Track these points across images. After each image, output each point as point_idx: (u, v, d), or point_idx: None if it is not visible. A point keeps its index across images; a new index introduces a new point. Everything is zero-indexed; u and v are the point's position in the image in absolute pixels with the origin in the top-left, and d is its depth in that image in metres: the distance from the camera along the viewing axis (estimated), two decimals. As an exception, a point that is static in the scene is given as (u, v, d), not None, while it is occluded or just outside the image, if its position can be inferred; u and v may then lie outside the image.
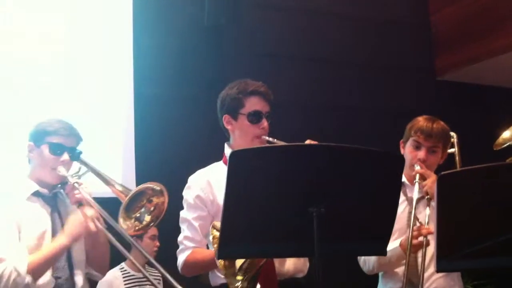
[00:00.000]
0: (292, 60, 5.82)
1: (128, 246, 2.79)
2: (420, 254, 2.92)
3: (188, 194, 2.90)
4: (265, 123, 2.87)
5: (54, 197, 2.93)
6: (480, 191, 2.11)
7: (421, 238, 2.86)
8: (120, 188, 2.77)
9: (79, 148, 2.93)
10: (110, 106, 4.97)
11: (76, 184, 2.77)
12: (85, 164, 2.93)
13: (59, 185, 2.90)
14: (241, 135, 2.90)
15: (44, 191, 2.89)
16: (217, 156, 3.05)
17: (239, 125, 2.90)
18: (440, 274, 2.97)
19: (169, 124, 5.22)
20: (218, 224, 2.45)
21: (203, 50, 5.46)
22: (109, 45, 5.03)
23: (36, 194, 2.87)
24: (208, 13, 5.32)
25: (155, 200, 2.73)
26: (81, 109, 4.71)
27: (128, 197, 2.69)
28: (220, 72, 5.26)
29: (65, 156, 2.84)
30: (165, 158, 5.02)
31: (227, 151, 2.96)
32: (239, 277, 2.42)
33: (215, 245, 2.42)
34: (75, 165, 2.93)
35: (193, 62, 5.40)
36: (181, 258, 2.87)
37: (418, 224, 2.93)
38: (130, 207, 2.72)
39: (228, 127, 2.94)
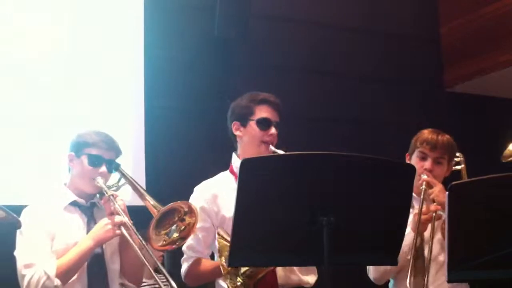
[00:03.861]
0: (302, 72, 5.82)
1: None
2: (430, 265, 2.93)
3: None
4: (273, 130, 2.90)
5: (91, 207, 2.99)
6: (490, 201, 2.11)
7: (432, 207, 2.91)
8: (152, 203, 2.79)
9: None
10: (120, 118, 4.98)
11: (111, 197, 2.83)
12: (124, 176, 3.00)
13: (98, 195, 2.96)
14: (249, 141, 2.93)
15: (82, 201, 2.96)
16: (226, 166, 3.06)
17: (248, 131, 2.93)
18: (450, 284, 2.96)
19: (179, 136, 5.23)
20: (222, 231, 2.54)
21: (213, 62, 5.48)
22: (120, 57, 5.05)
23: (74, 203, 2.94)
24: (218, 26, 5.35)
25: (187, 219, 2.77)
26: (91, 121, 4.72)
27: (159, 213, 2.71)
28: (230, 85, 5.28)
29: (103, 168, 2.91)
30: (175, 170, 5.03)
31: (235, 160, 2.99)
32: (239, 279, 2.44)
33: (219, 252, 2.47)
34: (116, 176, 3.01)
35: (203, 74, 5.41)
36: (184, 266, 2.94)
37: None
38: (161, 223, 2.76)
39: (237, 133, 2.97)
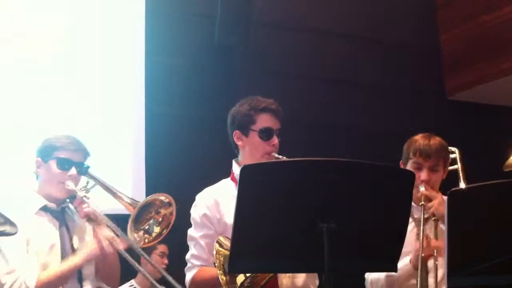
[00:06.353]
0: (301, 79, 5.84)
1: (138, 261, 2.80)
2: (431, 274, 2.90)
3: (195, 212, 2.90)
4: (275, 140, 2.89)
5: (62, 212, 2.93)
6: (490, 207, 2.11)
7: (434, 243, 2.85)
8: (128, 201, 2.80)
9: (86, 163, 2.95)
10: (121, 125, 5.01)
11: (84, 198, 2.79)
12: (93, 178, 2.95)
13: (68, 200, 2.92)
14: (251, 151, 2.91)
15: (52, 205, 2.90)
16: (227, 173, 3.06)
17: (250, 141, 2.91)
18: None
19: (179, 142, 5.24)
20: (222, 239, 2.50)
21: (213, 69, 5.50)
22: (121, 64, 5.08)
23: (44, 208, 2.88)
24: (219, 33, 5.37)
25: (163, 211, 2.78)
26: (91, 128, 4.73)
27: (136, 209, 2.72)
28: (230, 91, 5.30)
29: (73, 171, 2.86)
30: (175, 175, 5.03)
31: (235, 167, 2.97)
32: None
33: (217, 261, 2.46)
34: (83, 179, 2.95)
35: (204, 81, 5.44)
36: (188, 276, 2.88)
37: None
38: (139, 219, 2.76)
39: (238, 143, 2.94)
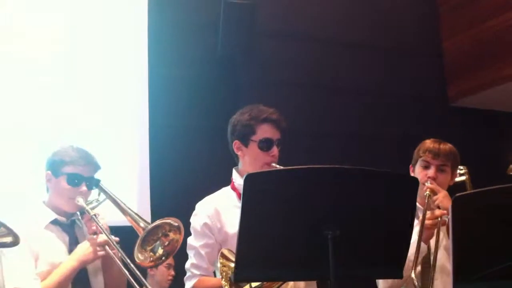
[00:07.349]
0: (305, 88, 5.85)
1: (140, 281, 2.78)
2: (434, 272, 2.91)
3: (196, 221, 2.90)
4: (275, 150, 2.88)
5: (72, 224, 2.94)
6: (495, 212, 2.11)
7: (437, 212, 2.89)
8: (137, 219, 2.79)
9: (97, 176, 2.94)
10: (125, 137, 5.01)
11: (94, 217, 2.78)
12: (104, 191, 2.94)
13: (78, 212, 2.90)
14: (251, 162, 2.90)
15: (62, 219, 2.90)
16: (229, 182, 3.04)
17: (250, 151, 2.90)
18: None
19: (183, 153, 5.24)
20: (226, 251, 2.49)
21: (216, 80, 5.52)
22: (124, 75, 5.08)
23: (54, 222, 2.88)
24: (222, 44, 5.38)
25: (171, 235, 2.77)
26: (95, 140, 4.73)
27: (144, 232, 2.71)
28: (234, 102, 5.30)
29: (83, 187, 2.85)
30: (179, 187, 5.03)
31: (235, 176, 2.97)
32: None
33: (223, 273, 2.44)
34: (95, 191, 2.95)
35: (207, 92, 5.45)
36: (188, 285, 2.88)
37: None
38: (146, 239, 2.75)
39: (238, 153, 2.94)
